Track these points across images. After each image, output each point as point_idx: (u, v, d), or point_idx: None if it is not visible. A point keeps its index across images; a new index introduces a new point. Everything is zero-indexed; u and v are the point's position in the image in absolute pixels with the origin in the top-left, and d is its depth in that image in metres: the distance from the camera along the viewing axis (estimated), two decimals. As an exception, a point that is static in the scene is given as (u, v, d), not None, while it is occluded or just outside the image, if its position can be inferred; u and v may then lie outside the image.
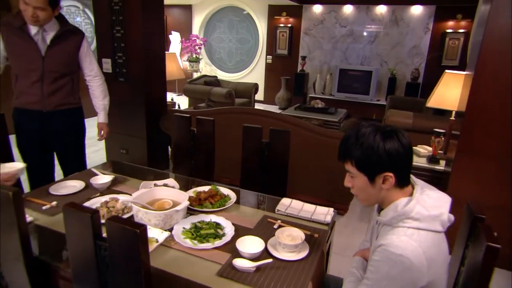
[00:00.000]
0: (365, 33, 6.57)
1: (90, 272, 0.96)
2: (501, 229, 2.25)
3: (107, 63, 3.33)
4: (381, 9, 6.33)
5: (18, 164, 1.59)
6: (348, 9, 6.54)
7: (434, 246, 0.94)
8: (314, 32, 6.96)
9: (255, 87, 6.30)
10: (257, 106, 7.38)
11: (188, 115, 2.09)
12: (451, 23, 6.00)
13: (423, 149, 3.13)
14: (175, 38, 8.05)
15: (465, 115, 2.21)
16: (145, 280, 0.87)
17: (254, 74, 7.93)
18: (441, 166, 2.88)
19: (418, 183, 1.06)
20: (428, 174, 2.88)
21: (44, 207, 1.46)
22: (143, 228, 0.84)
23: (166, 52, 3.62)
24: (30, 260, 1.11)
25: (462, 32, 5.92)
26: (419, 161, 2.98)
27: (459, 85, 2.65)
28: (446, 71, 2.86)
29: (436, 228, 0.96)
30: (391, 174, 0.99)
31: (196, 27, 8.25)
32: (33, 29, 1.93)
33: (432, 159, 2.93)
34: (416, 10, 6.13)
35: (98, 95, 2.30)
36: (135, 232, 0.83)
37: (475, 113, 2.17)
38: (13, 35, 1.92)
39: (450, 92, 2.75)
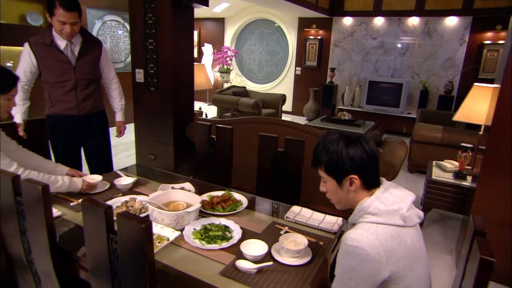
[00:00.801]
0: (396, 45, 6.47)
1: (103, 262, 1.05)
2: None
3: (140, 73, 3.55)
4: (414, 21, 6.21)
5: (97, 177, 1.81)
6: (379, 21, 6.48)
7: (393, 238, 0.99)
8: (344, 44, 6.95)
9: (282, 98, 6.37)
10: (285, 117, 7.44)
11: (208, 123, 2.19)
12: (489, 34, 5.76)
13: (450, 164, 3.03)
14: (207, 49, 8.35)
15: (491, 129, 2.14)
16: (149, 271, 0.95)
17: (283, 85, 8.02)
18: (468, 182, 2.78)
19: (385, 184, 1.13)
20: (453, 190, 2.79)
21: (71, 204, 1.60)
22: (148, 223, 0.92)
23: (194, 63, 3.79)
24: (55, 250, 1.23)
25: (502, 44, 5.66)
26: (445, 176, 2.89)
27: (487, 98, 2.57)
28: (475, 84, 2.78)
29: (395, 222, 1.02)
30: (356, 177, 1.07)
31: (228, 39, 8.51)
32: (61, 44, 2.14)
33: (459, 174, 2.84)
34: (451, 21, 5.96)
35: (116, 96, 2.53)
36: (140, 226, 0.91)
37: (501, 128, 2.09)
38: (44, 52, 2.13)
39: (478, 105, 2.66)
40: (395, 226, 1.01)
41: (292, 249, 1.24)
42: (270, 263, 1.20)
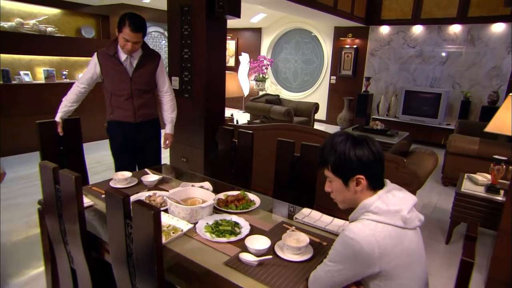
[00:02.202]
0: (436, 54, 6.25)
1: (120, 244, 1.20)
2: None
3: (176, 81, 3.79)
4: (455, 29, 5.98)
5: (127, 173, 2.01)
6: (417, 29, 6.32)
7: (391, 238, 1.02)
8: (381, 53, 6.84)
9: (315, 106, 6.39)
10: (318, 125, 7.44)
11: (231, 128, 2.32)
12: (540, 42, 5.40)
13: (482, 177, 2.91)
14: (244, 59, 8.59)
15: (520, 141, 2.05)
16: (157, 253, 1.07)
17: (318, 94, 8.03)
18: (502, 196, 2.65)
19: (389, 186, 1.16)
20: (484, 204, 2.67)
21: (103, 196, 1.79)
22: (156, 211, 1.05)
23: (227, 72, 3.98)
24: (84, 234, 1.40)
25: (555, 52, 5.28)
26: (476, 190, 2.78)
27: (522, 110, 2.45)
28: (510, 94, 2.66)
29: (395, 222, 1.04)
30: (362, 177, 1.11)
31: (265, 48, 8.71)
32: (122, 56, 2.35)
33: (491, 188, 2.72)
34: (498, 28, 5.66)
35: (168, 108, 2.65)
36: (150, 213, 1.05)
37: (531, 139, 2.00)
38: (107, 62, 2.36)
39: (512, 116, 2.54)
40: (395, 226, 1.04)
41: (293, 246, 1.31)
42: (270, 256, 1.28)
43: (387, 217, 1.04)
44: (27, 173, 4.11)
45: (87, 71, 2.41)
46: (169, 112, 2.67)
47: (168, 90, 2.62)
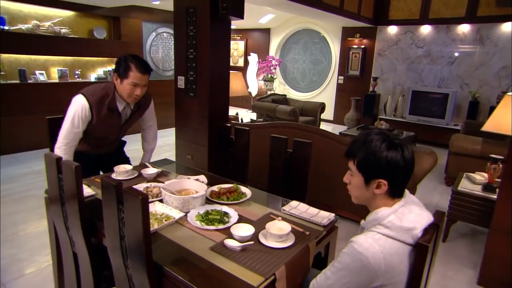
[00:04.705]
0: (444, 54, 6.21)
1: (114, 228, 1.31)
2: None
3: (181, 80, 3.91)
4: (464, 28, 5.93)
5: (128, 166, 2.11)
6: (425, 29, 6.29)
7: (398, 255, 1.02)
8: (388, 53, 6.83)
9: (321, 106, 6.44)
10: (325, 125, 7.47)
11: (228, 125, 2.41)
12: (551, 41, 5.31)
13: (480, 176, 2.93)
14: (253, 59, 8.69)
15: None
16: (144, 236, 1.17)
17: (325, 94, 8.06)
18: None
19: (408, 198, 1.14)
20: (480, 203, 2.69)
21: (105, 186, 1.91)
22: (143, 196, 1.15)
23: (231, 71, 4.08)
24: (84, 220, 1.52)
25: None
26: (473, 189, 2.80)
27: (518, 109, 2.46)
28: (507, 93, 2.67)
29: (405, 239, 1.03)
30: (385, 182, 1.09)
31: (273, 48, 8.79)
32: (120, 106, 2.13)
33: (487, 187, 2.74)
34: (508, 27, 5.59)
35: (150, 140, 2.57)
36: (138, 198, 1.15)
37: (521, 138, 2.02)
38: (105, 113, 2.07)
39: (509, 115, 2.55)
40: (404, 243, 1.03)
41: (275, 234, 1.39)
42: (252, 242, 1.37)
43: (398, 233, 1.03)
44: (41, 168, 4.31)
45: (71, 125, 2.00)
46: (150, 143, 2.57)
47: (154, 123, 2.53)
